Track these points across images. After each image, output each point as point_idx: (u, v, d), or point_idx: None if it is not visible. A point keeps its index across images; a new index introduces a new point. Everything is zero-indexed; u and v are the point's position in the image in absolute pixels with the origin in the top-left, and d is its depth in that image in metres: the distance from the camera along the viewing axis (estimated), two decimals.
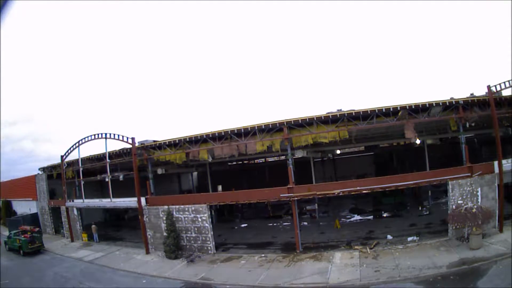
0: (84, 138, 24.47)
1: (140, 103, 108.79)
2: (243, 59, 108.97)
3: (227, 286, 14.79)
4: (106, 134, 22.98)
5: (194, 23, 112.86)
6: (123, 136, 22.26)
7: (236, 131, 19.47)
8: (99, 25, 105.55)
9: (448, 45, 79.85)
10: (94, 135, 23.74)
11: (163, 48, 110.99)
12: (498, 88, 16.72)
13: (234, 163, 40.57)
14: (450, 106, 17.24)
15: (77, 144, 25.16)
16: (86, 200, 26.35)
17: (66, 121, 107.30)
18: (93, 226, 26.48)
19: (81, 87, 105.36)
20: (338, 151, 32.94)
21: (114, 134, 22.66)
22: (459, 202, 16.47)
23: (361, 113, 17.36)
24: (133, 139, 22.02)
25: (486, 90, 16.98)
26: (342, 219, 24.32)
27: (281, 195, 18.70)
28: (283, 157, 35.26)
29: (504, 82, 16.67)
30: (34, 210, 33.10)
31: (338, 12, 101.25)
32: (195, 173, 45.41)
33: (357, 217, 24.89)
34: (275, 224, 26.23)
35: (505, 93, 17.34)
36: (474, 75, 70.10)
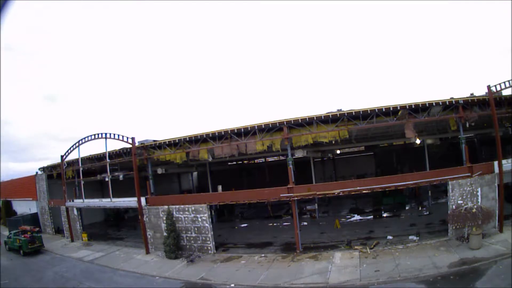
0: (84, 138, 24.46)
1: (140, 103, 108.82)
2: (243, 59, 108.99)
3: (227, 286, 14.77)
4: (106, 134, 22.96)
5: (194, 23, 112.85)
6: (123, 136, 22.26)
7: (236, 131, 19.46)
8: (99, 25, 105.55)
9: (448, 45, 79.86)
10: (94, 135, 23.73)
11: (163, 48, 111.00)
12: (498, 88, 16.69)
13: (234, 163, 40.60)
14: (450, 106, 17.22)
15: (77, 144, 25.16)
16: (86, 200, 26.34)
17: (66, 121, 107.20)
18: None
19: (81, 87, 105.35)
20: (338, 151, 32.99)
21: (114, 134, 22.65)
22: (459, 202, 16.47)
23: (361, 112, 17.34)
24: (133, 139, 22.01)
25: (486, 90, 16.96)
26: (342, 219, 24.29)
27: (281, 195, 18.69)
28: (283, 157, 35.30)
29: (504, 82, 16.64)
30: (34, 210, 33.11)
31: (338, 12, 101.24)
32: (195, 173, 45.44)
33: (357, 217, 24.86)
34: (275, 224, 26.21)
35: (505, 93, 17.33)
36: (474, 75, 70.17)
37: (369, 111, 17.23)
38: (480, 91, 18.38)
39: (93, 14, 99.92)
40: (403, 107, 16.99)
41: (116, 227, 31.46)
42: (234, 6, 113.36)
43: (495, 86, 16.68)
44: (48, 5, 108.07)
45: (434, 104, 16.89)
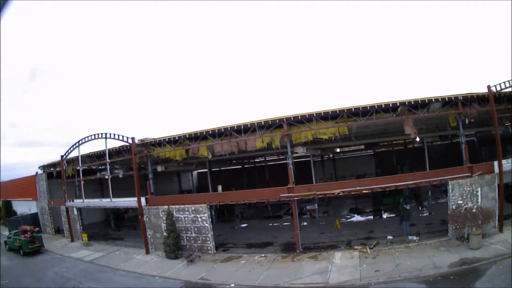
0: (84, 138, 24.39)
1: (139, 101, 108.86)
2: (243, 56, 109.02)
3: (227, 286, 14.76)
4: (106, 134, 22.90)
5: (193, 21, 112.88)
6: (123, 136, 22.21)
7: (236, 128, 19.40)
8: (99, 25, 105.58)
9: (448, 45, 79.84)
10: (94, 135, 23.65)
11: (162, 46, 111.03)
12: (498, 88, 16.64)
13: (234, 162, 40.59)
14: (449, 102, 17.16)
15: (77, 144, 25.10)
16: (86, 200, 26.31)
17: (66, 120, 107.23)
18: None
19: (80, 86, 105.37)
20: (338, 149, 32.99)
21: (114, 134, 22.58)
22: (459, 202, 16.44)
23: (360, 109, 17.26)
24: (133, 139, 21.99)
25: (486, 90, 16.92)
26: (342, 219, 24.28)
27: (281, 195, 18.67)
28: (283, 157, 35.29)
29: (504, 82, 16.60)
30: (34, 210, 33.09)
31: (338, 10, 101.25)
32: (195, 173, 45.47)
33: (357, 217, 24.84)
34: (275, 224, 26.19)
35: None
36: (474, 75, 70.15)
37: (368, 108, 17.18)
38: (480, 91, 18.33)
39: (92, 13, 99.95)
40: (402, 104, 16.95)
41: (116, 227, 31.45)
42: (234, 5, 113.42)
43: (495, 86, 16.64)
44: (48, 4, 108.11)
45: (433, 100, 16.80)
